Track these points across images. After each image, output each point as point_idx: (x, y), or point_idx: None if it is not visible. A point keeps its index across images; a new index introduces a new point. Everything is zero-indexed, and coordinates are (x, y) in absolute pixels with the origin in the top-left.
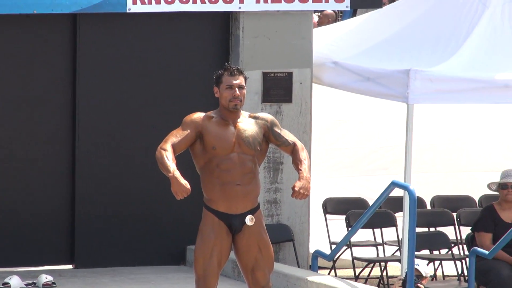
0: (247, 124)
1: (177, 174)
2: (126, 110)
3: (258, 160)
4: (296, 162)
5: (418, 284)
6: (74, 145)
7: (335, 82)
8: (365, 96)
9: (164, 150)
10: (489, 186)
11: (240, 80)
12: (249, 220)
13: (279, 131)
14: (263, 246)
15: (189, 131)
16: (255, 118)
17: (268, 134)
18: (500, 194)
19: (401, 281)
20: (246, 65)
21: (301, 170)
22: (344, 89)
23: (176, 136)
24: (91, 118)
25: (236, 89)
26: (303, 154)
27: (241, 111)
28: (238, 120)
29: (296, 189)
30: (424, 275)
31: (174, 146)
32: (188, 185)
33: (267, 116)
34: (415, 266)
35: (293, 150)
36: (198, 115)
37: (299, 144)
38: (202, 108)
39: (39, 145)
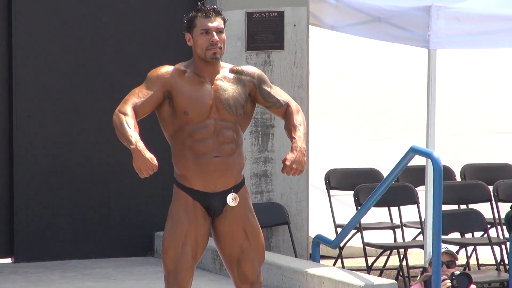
0: (227, 82)
1: (141, 146)
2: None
3: (241, 126)
4: (289, 128)
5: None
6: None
7: (337, 23)
8: (375, 40)
9: (124, 114)
10: None
11: (218, 23)
12: (231, 199)
13: (268, 89)
14: (250, 232)
15: (154, 90)
16: (237, 73)
17: (255, 94)
18: None
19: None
20: (225, 4)
21: (294, 138)
22: (348, 32)
23: (138, 96)
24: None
25: (214, 33)
26: (298, 118)
27: (221, 63)
28: (217, 77)
29: (288, 163)
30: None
31: (136, 109)
32: (154, 160)
33: (253, 70)
34: (443, 250)
35: (286, 113)
36: (166, 70)
37: (294, 105)
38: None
39: None
